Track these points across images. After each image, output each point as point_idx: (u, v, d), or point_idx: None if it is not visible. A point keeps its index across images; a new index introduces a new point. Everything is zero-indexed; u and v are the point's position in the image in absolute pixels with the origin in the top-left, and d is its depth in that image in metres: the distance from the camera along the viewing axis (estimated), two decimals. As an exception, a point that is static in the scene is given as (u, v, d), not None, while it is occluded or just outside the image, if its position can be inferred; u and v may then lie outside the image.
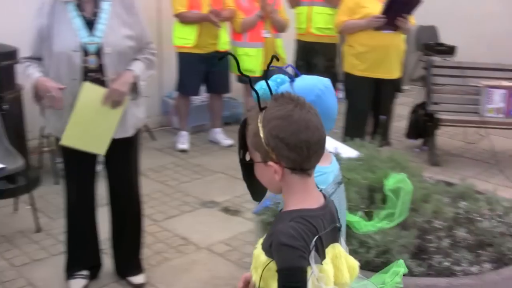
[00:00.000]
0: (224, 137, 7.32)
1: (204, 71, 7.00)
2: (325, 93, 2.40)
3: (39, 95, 3.47)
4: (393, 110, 6.90)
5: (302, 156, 1.85)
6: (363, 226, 2.80)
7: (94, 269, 4.03)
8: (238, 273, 4.28)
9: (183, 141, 7.04)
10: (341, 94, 9.05)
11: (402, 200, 2.81)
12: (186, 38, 6.83)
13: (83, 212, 3.89)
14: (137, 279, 4.01)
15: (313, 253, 1.80)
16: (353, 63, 6.00)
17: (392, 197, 2.89)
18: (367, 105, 6.06)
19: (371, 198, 3.03)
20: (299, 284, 1.79)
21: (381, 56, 5.83)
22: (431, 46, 9.95)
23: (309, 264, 1.79)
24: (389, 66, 5.93)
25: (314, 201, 1.93)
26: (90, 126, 3.56)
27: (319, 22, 7.23)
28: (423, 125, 6.98)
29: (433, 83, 7.01)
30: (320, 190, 2.07)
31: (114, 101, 3.52)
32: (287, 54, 7.42)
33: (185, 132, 7.14)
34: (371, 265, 2.78)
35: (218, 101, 7.35)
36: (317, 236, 1.82)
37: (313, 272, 1.79)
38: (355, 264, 2.03)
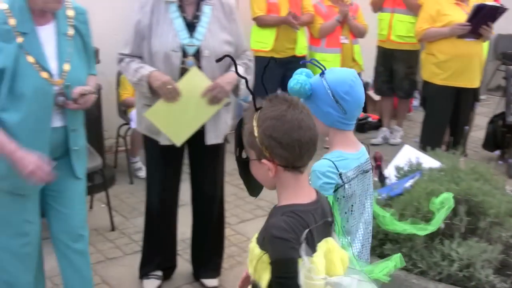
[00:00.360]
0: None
1: (281, 76, 6.96)
2: (356, 84, 2.45)
3: (152, 88, 3.45)
4: (472, 120, 6.76)
5: (294, 154, 1.94)
6: (390, 223, 2.72)
7: (168, 270, 4.04)
8: (310, 280, 4.23)
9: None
10: (416, 102, 8.94)
11: (440, 214, 2.73)
12: (263, 42, 6.81)
13: (163, 213, 3.87)
14: (211, 282, 3.98)
15: (304, 245, 1.88)
16: (434, 71, 5.86)
17: (435, 215, 2.75)
18: (447, 114, 5.92)
19: (455, 210, 2.93)
20: (291, 274, 1.88)
21: (463, 64, 5.67)
22: (509, 55, 9.70)
23: (300, 256, 1.87)
24: (471, 75, 5.76)
25: (305, 197, 2.01)
26: (179, 111, 3.49)
27: (400, 30, 7.11)
28: (502, 136, 6.78)
29: (513, 93, 6.81)
30: (340, 174, 2.34)
31: (214, 96, 3.47)
32: (369, 60, 7.35)
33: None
34: (453, 279, 2.69)
35: (294, 106, 7.28)
36: (307, 230, 1.91)
37: (304, 263, 1.87)
38: (346, 256, 2.10)
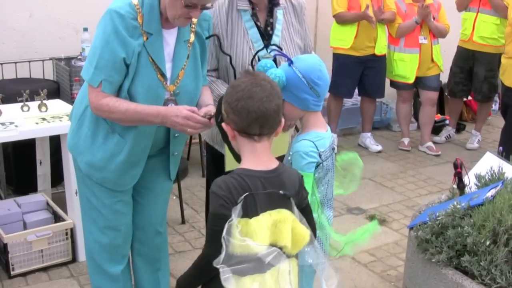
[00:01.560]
0: (374, 142, 7.14)
1: (359, 74, 6.85)
2: (323, 67, 2.71)
3: None
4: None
5: (242, 120, 2.23)
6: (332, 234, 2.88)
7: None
8: (381, 286, 4.13)
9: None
10: (495, 106, 8.68)
11: (354, 174, 3.03)
12: (343, 39, 6.72)
13: None
14: None
15: (239, 206, 2.14)
16: None
17: (341, 171, 2.99)
18: None
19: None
20: (217, 228, 2.14)
21: None
22: None
23: (230, 214, 2.13)
24: None
25: (259, 164, 2.28)
26: None
27: (483, 31, 6.92)
28: None
29: None
30: (319, 155, 2.62)
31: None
32: (450, 61, 7.18)
33: (334, 134, 6.98)
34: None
35: (371, 105, 7.18)
36: (247, 193, 2.17)
37: (231, 221, 2.11)
38: (306, 233, 2.30)
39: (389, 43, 7.04)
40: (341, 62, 6.83)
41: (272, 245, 2.21)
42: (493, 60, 7.03)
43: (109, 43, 2.72)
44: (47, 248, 4.14)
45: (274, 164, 2.33)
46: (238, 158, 2.41)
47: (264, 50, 3.33)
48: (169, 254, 4.31)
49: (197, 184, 5.62)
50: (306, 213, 2.39)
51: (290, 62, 2.70)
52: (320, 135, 2.70)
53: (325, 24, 7.27)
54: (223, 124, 2.34)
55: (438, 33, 6.88)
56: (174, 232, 4.74)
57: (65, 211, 4.33)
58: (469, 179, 3.37)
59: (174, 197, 5.12)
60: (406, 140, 7.25)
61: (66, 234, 4.20)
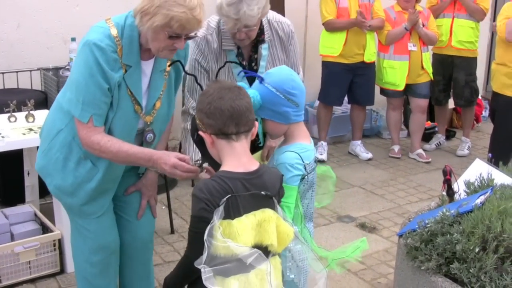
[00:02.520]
0: (364, 150, 7.13)
1: (349, 81, 6.85)
2: (295, 75, 2.69)
3: None
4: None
5: (217, 121, 2.29)
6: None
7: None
8: (371, 294, 4.12)
9: (322, 152, 6.91)
10: (486, 113, 8.70)
11: (328, 188, 2.99)
12: (332, 47, 6.72)
13: None
14: None
15: (221, 208, 2.18)
16: (505, 82, 5.65)
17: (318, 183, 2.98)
18: None
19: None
20: (200, 230, 2.17)
21: None
22: None
23: (212, 216, 2.16)
24: None
25: (240, 165, 2.32)
26: None
27: (461, 35, 7.03)
28: None
29: None
30: (304, 167, 2.59)
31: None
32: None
33: (324, 143, 7.02)
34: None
35: (360, 113, 7.18)
36: (229, 195, 2.21)
37: (213, 224, 2.15)
38: (290, 230, 2.37)
39: (379, 50, 7.06)
40: (330, 70, 6.84)
41: (258, 244, 2.26)
42: (471, 64, 7.20)
43: (93, 76, 2.68)
44: (35, 260, 4.10)
45: (255, 165, 2.37)
46: (216, 166, 2.44)
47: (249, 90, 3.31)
48: (158, 264, 4.31)
49: (186, 193, 5.60)
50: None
51: (261, 79, 2.67)
52: (305, 146, 2.67)
53: (314, 33, 7.27)
54: (201, 133, 2.37)
55: (428, 40, 6.90)
56: (163, 242, 4.71)
57: (53, 222, 4.29)
58: (459, 186, 3.36)
59: (163, 207, 5.10)
60: (396, 148, 7.24)
61: (54, 245, 4.17)
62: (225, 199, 2.20)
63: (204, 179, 2.34)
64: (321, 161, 6.72)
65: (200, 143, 2.48)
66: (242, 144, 2.35)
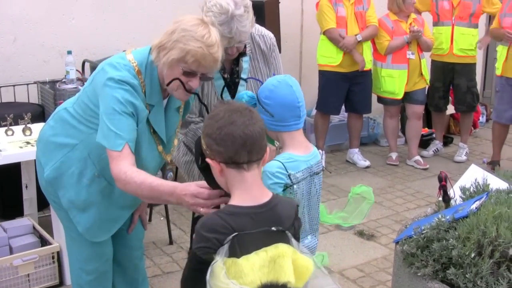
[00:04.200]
0: (361, 158, 7.15)
1: (346, 90, 6.88)
2: (279, 87, 2.65)
3: None
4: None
5: (228, 149, 2.09)
6: (323, 216, 2.93)
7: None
8: (370, 302, 4.12)
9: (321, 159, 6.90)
10: (483, 118, 8.73)
11: (361, 209, 3.00)
12: (331, 57, 6.75)
13: None
14: None
15: (225, 247, 2.01)
16: None
17: (352, 203, 3.04)
18: None
19: (523, 235, 2.78)
20: (195, 267, 2.08)
21: None
22: None
23: (214, 255, 2.01)
24: None
25: (249, 199, 2.14)
26: None
27: (463, 43, 7.08)
28: None
29: None
30: (289, 175, 2.54)
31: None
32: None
33: (322, 151, 7.04)
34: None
35: (358, 121, 7.20)
36: (235, 234, 2.04)
37: (215, 263, 1.99)
38: (308, 263, 2.17)
39: (375, 59, 7.08)
40: (327, 78, 6.86)
41: (274, 282, 2.08)
42: (472, 70, 7.27)
43: (123, 105, 2.62)
44: (34, 273, 4.11)
45: (267, 197, 2.20)
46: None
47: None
48: (157, 275, 4.32)
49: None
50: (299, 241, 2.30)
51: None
52: (293, 157, 2.63)
53: (309, 42, 7.30)
54: (209, 160, 2.17)
55: (426, 48, 6.94)
56: (162, 253, 4.72)
57: (52, 235, 4.30)
58: (454, 192, 3.37)
59: (162, 218, 5.11)
60: (394, 155, 7.26)
61: (53, 257, 4.18)
62: (230, 237, 2.04)
63: (210, 214, 2.16)
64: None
65: (205, 170, 2.29)
66: (254, 174, 2.16)
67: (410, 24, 6.87)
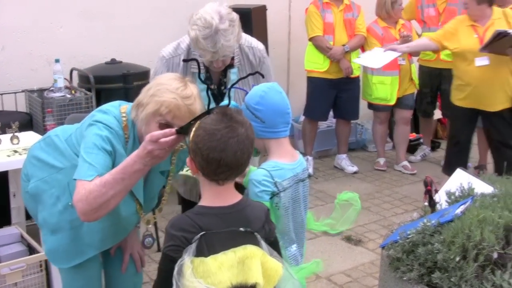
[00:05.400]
0: (349, 164, 7.18)
1: (333, 96, 6.91)
2: (268, 93, 2.69)
3: None
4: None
5: (210, 169, 2.14)
6: (310, 223, 3.00)
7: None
8: (358, 307, 4.14)
9: (307, 166, 6.93)
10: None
11: (348, 215, 3.04)
12: (319, 63, 6.79)
13: None
14: None
15: (193, 245, 2.06)
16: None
17: (339, 210, 3.08)
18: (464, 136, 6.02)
19: (507, 238, 2.81)
20: (165, 268, 2.11)
21: (480, 88, 5.71)
22: None
23: (181, 254, 2.06)
24: (490, 99, 5.72)
25: (219, 200, 2.19)
26: None
27: None
28: None
29: None
30: (275, 183, 2.57)
31: None
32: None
33: (310, 157, 7.06)
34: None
35: (345, 127, 7.23)
36: (202, 233, 2.09)
37: (182, 260, 2.05)
38: (277, 266, 2.20)
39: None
40: (315, 85, 6.89)
41: (242, 283, 2.13)
42: None
43: (107, 145, 2.62)
44: (22, 281, 4.10)
45: (236, 198, 2.26)
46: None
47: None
48: (145, 282, 4.31)
49: (173, 211, 5.56)
50: (275, 247, 2.33)
51: (247, 93, 2.78)
52: (279, 165, 2.67)
53: (297, 48, 7.33)
54: (188, 160, 2.24)
55: (416, 53, 6.98)
56: (150, 260, 4.72)
57: (40, 243, 4.29)
58: (440, 196, 3.40)
59: (150, 225, 5.10)
60: (382, 160, 7.30)
61: (41, 266, 4.16)
62: (198, 236, 2.10)
63: (179, 215, 2.22)
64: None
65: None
66: (227, 186, 2.23)
67: (399, 30, 6.91)
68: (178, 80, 2.64)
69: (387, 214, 5.79)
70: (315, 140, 7.19)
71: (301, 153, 7.03)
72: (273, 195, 2.61)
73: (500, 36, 5.34)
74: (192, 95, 2.62)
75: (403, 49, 6.24)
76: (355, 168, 7.12)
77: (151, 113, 2.59)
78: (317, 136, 7.28)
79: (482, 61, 5.57)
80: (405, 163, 7.22)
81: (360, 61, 6.69)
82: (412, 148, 7.69)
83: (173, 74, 2.74)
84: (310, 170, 6.93)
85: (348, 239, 5.17)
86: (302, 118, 7.29)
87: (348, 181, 6.78)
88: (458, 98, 5.91)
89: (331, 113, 7.21)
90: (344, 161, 7.22)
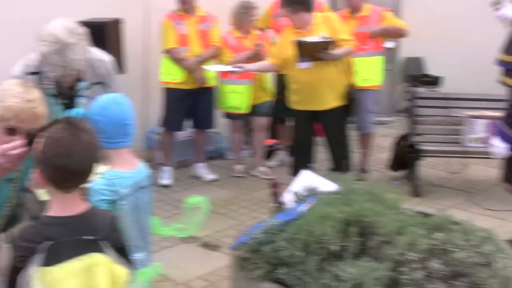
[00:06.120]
0: (207, 172, 7.26)
1: (189, 107, 6.97)
2: (110, 105, 2.77)
3: None
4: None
5: (59, 178, 2.15)
6: (158, 229, 3.12)
7: None
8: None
9: (166, 177, 6.98)
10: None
11: (196, 219, 3.15)
12: (175, 74, 6.83)
13: None
14: None
15: (38, 256, 2.05)
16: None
17: (188, 214, 3.20)
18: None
19: (346, 232, 2.97)
20: (13, 279, 2.08)
21: (310, 89, 5.97)
22: (416, 77, 9.99)
23: (27, 264, 2.05)
24: (321, 98, 5.99)
25: (66, 210, 2.20)
26: None
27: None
28: (405, 156, 6.90)
29: (417, 114, 7.00)
30: (114, 191, 2.62)
31: None
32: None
33: (169, 168, 7.08)
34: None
35: (202, 136, 7.32)
36: (46, 243, 2.08)
37: (28, 270, 2.04)
38: (124, 272, 2.25)
39: (220, 76, 7.15)
40: (171, 96, 6.91)
41: None
42: None
43: None
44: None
45: (83, 207, 2.28)
46: None
47: None
48: None
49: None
50: (124, 254, 2.36)
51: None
52: (118, 174, 2.74)
53: (155, 61, 7.26)
54: (36, 174, 2.25)
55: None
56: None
57: None
58: (286, 196, 3.54)
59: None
60: (239, 167, 7.43)
61: None
62: (42, 246, 2.09)
63: (26, 225, 2.24)
64: (165, 186, 6.84)
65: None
66: (73, 193, 2.26)
67: (254, 39, 7.04)
68: (20, 85, 2.66)
69: (244, 219, 5.89)
70: (173, 150, 7.23)
71: (160, 164, 7.06)
72: (113, 203, 2.66)
73: (302, 44, 5.67)
74: (36, 99, 2.64)
75: (250, 67, 6.37)
76: (213, 176, 7.20)
77: None
78: (176, 146, 7.31)
79: (304, 64, 5.84)
80: (262, 168, 7.38)
81: (209, 67, 6.77)
82: (269, 154, 7.85)
83: (15, 80, 2.75)
84: (169, 181, 6.95)
85: (206, 245, 5.23)
86: (162, 129, 7.29)
87: (207, 189, 6.84)
88: (294, 101, 6.15)
89: (191, 123, 7.26)
90: (202, 169, 7.29)
